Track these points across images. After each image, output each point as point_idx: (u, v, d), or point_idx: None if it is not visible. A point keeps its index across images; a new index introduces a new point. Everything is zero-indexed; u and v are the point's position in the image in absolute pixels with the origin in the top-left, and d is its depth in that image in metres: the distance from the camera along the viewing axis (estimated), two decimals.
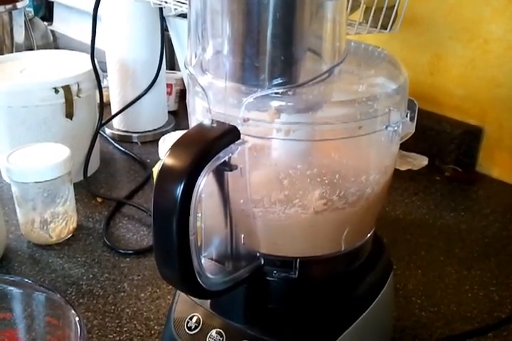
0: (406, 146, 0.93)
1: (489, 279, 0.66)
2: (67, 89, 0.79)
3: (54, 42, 1.43)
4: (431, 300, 0.63)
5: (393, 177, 0.49)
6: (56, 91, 0.78)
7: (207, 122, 0.40)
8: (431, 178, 0.89)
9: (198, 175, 0.38)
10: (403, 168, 0.90)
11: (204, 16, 0.41)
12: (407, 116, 0.46)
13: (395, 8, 0.73)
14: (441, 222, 0.78)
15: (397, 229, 0.76)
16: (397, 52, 0.94)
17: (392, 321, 0.58)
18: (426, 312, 0.61)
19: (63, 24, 1.59)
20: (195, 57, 0.43)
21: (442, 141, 0.91)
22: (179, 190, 0.37)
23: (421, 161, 0.92)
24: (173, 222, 0.38)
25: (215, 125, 0.40)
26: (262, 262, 0.46)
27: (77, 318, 0.38)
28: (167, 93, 1.06)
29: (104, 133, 1.02)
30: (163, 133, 0.97)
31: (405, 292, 0.64)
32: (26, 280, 0.43)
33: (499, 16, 0.82)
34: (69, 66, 0.85)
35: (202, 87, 0.42)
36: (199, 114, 0.45)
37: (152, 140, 0.98)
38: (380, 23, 0.74)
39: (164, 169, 0.39)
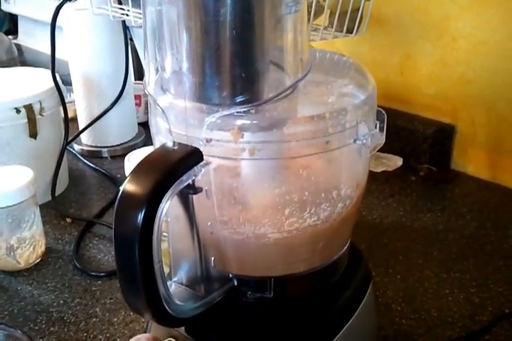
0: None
1: (469, 281, 0.66)
2: (29, 108, 0.76)
3: (20, 56, 1.40)
4: (411, 307, 0.62)
5: (367, 183, 0.48)
6: (18, 111, 0.76)
7: (169, 144, 0.39)
8: (406, 179, 0.89)
9: (160, 201, 0.37)
10: (378, 170, 0.89)
11: (161, 34, 0.39)
12: (376, 127, 0.45)
13: (360, 10, 0.72)
14: (418, 224, 0.77)
15: (374, 234, 0.75)
16: (366, 52, 0.94)
17: (376, 331, 0.57)
18: (406, 320, 0.60)
19: (29, 37, 1.57)
20: (156, 75, 0.42)
21: (416, 141, 0.91)
22: (140, 217, 0.36)
23: (395, 162, 0.91)
24: (135, 251, 0.37)
25: (176, 147, 0.39)
26: (236, 283, 0.45)
27: None
28: (136, 104, 1.04)
29: (73, 149, 0.99)
30: (133, 146, 0.96)
31: (385, 299, 0.63)
32: None
33: (466, 13, 0.82)
34: (31, 84, 0.82)
35: (161, 108, 0.40)
36: (163, 135, 0.43)
37: (122, 154, 0.95)
38: (345, 27, 0.73)
39: (124, 196, 0.37)
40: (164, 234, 0.40)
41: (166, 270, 0.41)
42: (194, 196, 0.40)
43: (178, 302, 0.41)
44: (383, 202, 0.83)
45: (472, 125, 0.88)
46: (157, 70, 0.42)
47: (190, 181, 0.39)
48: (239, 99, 0.39)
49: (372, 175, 0.49)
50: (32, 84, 0.82)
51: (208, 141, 0.40)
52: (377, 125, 0.45)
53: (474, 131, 0.88)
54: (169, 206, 0.37)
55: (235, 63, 0.38)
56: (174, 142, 0.39)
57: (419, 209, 0.80)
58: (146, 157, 0.39)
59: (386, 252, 0.71)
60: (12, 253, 0.67)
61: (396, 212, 0.80)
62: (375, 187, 0.86)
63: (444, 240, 0.74)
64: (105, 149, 0.98)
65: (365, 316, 0.52)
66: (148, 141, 1.01)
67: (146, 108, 1.09)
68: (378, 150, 0.95)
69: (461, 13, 0.83)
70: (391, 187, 0.86)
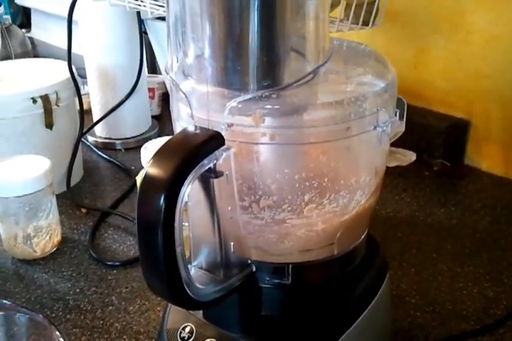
0: (393, 142, 0.92)
1: (482, 275, 0.66)
2: (45, 98, 0.77)
3: (33, 49, 1.41)
4: (425, 300, 0.62)
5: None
6: (34, 101, 0.76)
7: (190, 128, 0.39)
8: (420, 174, 0.88)
9: (182, 184, 0.37)
10: (392, 165, 0.89)
11: (183, 20, 0.39)
12: (396, 115, 0.45)
13: (376, 3, 0.72)
14: (431, 218, 0.77)
15: (387, 228, 0.75)
16: (380, 46, 0.93)
17: (390, 322, 0.57)
18: (421, 312, 0.60)
19: (42, 31, 1.57)
20: (177, 61, 0.42)
21: (429, 136, 0.90)
22: (162, 200, 0.36)
23: (409, 157, 0.91)
24: (158, 234, 0.37)
25: (198, 131, 0.39)
26: (254, 269, 0.45)
27: (61, 339, 0.36)
28: (149, 97, 1.04)
29: (87, 141, 1.00)
30: (147, 139, 0.96)
31: (399, 292, 0.63)
32: (6, 301, 0.42)
33: (481, 7, 0.82)
34: (47, 75, 0.83)
35: (184, 92, 0.41)
36: (184, 121, 0.43)
37: (136, 146, 0.96)
38: (361, 20, 0.73)
39: (147, 179, 0.37)
40: (185, 223, 0.40)
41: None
42: (215, 181, 0.41)
43: (198, 285, 0.41)
44: (397, 196, 0.82)
45: (487, 120, 0.87)
46: (177, 58, 0.42)
47: (211, 165, 0.39)
48: (260, 84, 0.39)
49: (385, 170, 0.49)
50: (48, 75, 0.83)
51: (230, 125, 0.40)
52: (397, 113, 0.45)
53: (489, 126, 0.87)
54: (191, 190, 0.38)
55: (257, 48, 0.38)
56: (196, 126, 0.39)
57: (432, 204, 0.80)
58: (168, 141, 0.39)
59: (400, 246, 0.71)
60: (29, 242, 0.68)
61: (409, 207, 0.80)
62: (389, 182, 0.86)
63: (458, 235, 0.73)
64: (119, 141, 0.99)
65: (381, 306, 0.52)
66: (161, 134, 1.02)
67: (160, 101, 1.10)
68: (392, 145, 0.95)
69: (476, 8, 0.82)
70: (404, 181, 0.86)
